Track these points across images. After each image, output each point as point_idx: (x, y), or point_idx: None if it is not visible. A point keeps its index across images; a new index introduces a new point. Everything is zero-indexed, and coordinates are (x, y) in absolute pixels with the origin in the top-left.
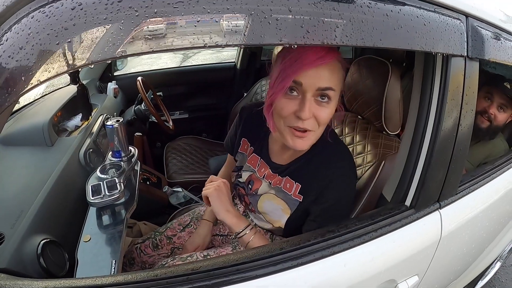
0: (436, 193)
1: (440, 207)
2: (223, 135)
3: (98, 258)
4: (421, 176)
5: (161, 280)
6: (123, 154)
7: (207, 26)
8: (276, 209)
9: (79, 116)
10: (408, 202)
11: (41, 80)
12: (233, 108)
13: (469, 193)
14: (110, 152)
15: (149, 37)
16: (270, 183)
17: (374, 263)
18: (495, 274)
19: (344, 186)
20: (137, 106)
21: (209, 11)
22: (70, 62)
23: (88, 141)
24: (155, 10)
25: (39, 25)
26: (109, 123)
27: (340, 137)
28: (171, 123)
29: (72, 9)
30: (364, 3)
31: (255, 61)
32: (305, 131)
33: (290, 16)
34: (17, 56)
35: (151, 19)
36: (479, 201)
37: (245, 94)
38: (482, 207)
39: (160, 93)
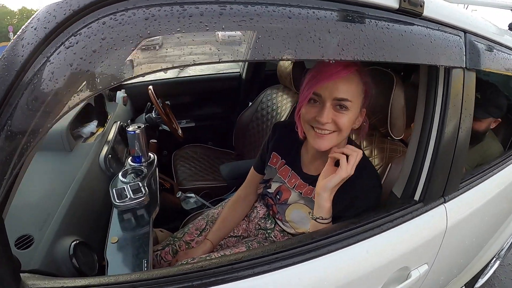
0: (441, 189)
1: (445, 201)
2: (229, 144)
3: (128, 258)
4: (427, 173)
5: (192, 274)
6: (143, 160)
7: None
8: (304, 218)
9: (94, 122)
10: (417, 197)
11: (117, 82)
12: (238, 117)
13: (469, 189)
14: (130, 158)
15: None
16: (301, 193)
17: (391, 250)
18: (494, 272)
19: (374, 196)
20: (148, 114)
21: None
22: (145, 66)
23: (106, 147)
24: (223, 26)
25: (113, 31)
26: (130, 129)
27: None
28: (180, 131)
29: (146, 19)
30: (384, 25)
31: (260, 71)
32: (322, 133)
33: (328, 36)
34: (90, 58)
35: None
36: (478, 196)
37: (250, 103)
38: (481, 202)
39: (168, 102)
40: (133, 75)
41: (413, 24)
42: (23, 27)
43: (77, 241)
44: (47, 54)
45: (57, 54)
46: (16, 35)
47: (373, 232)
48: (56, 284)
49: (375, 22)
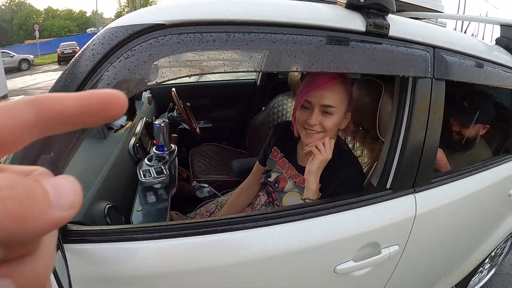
0: (411, 180)
1: (415, 192)
2: (242, 144)
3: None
4: (397, 165)
5: (200, 223)
6: (165, 149)
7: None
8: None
9: (124, 117)
10: (388, 185)
11: (158, 82)
12: (252, 120)
13: (442, 185)
14: (154, 147)
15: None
16: (295, 182)
17: (360, 224)
18: (490, 280)
19: (357, 184)
20: (170, 113)
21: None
22: (175, 73)
23: (134, 138)
24: (228, 48)
25: (156, 49)
26: (156, 122)
27: None
28: (198, 129)
29: (178, 43)
30: (352, 44)
31: (273, 79)
32: (311, 132)
33: (302, 53)
34: (141, 66)
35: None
36: (451, 193)
37: (263, 108)
38: (453, 199)
39: (188, 104)
40: (168, 78)
41: (381, 43)
42: (90, 41)
43: (110, 205)
44: (112, 61)
45: (119, 62)
46: (84, 46)
47: (345, 208)
48: (95, 229)
49: (344, 42)
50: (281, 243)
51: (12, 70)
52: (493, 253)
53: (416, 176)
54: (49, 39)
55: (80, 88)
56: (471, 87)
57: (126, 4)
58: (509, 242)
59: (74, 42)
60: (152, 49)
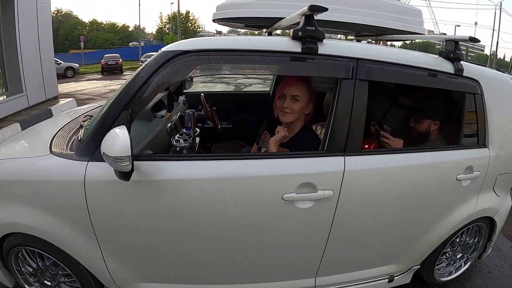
0: (342, 147)
1: (345, 155)
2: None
3: None
4: (329, 136)
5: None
6: (191, 130)
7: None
8: None
9: (164, 110)
10: (325, 148)
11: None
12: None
13: (372, 154)
14: (184, 128)
15: None
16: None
17: (297, 167)
18: (472, 278)
19: (312, 148)
20: (198, 113)
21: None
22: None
23: (170, 123)
24: (250, 65)
25: (186, 64)
26: (188, 111)
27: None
28: (219, 127)
29: (197, 60)
30: (296, 58)
31: None
32: (285, 112)
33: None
34: (177, 74)
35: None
36: (381, 161)
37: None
38: (383, 166)
39: (214, 108)
40: (191, 78)
41: (314, 59)
42: (149, 60)
43: (152, 152)
44: (161, 71)
45: (165, 70)
46: (148, 60)
47: (291, 156)
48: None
49: (291, 59)
50: (249, 169)
51: (58, 77)
52: (457, 239)
53: (345, 144)
54: (92, 50)
55: (146, 81)
56: (420, 90)
57: (167, 21)
58: (482, 239)
59: (117, 55)
60: (183, 64)
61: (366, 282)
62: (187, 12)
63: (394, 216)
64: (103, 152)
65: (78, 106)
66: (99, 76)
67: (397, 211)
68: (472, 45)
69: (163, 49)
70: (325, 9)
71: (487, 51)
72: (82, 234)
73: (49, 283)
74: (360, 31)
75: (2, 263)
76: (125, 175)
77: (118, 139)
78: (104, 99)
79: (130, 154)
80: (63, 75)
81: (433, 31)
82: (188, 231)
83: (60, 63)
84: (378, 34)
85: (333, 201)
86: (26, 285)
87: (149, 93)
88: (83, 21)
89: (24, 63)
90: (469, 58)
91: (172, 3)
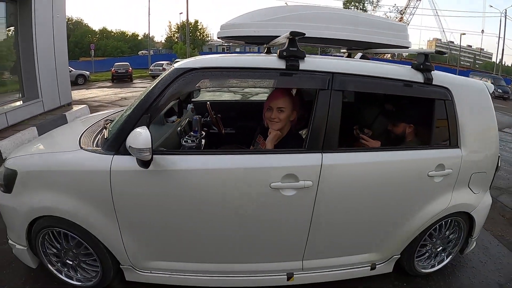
0: (320, 145)
1: (323, 152)
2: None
3: None
4: (309, 136)
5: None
6: (198, 133)
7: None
8: None
9: (175, 116)
10: (305, 146)
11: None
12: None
13: (347, 152)
14: (191, 132)
15: None
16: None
17: (284, 161)
18: (455, 272)
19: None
20: (204, 119)
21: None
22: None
23: (179, 127)
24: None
25: (193, 79)
26: (195, 117)
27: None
28: (223, 131)
29: (202, 75)
30: (277, 76)
31: None
32: (274, 122)
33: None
34: (187, 86)
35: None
36: (356, 158)
37: None
38: (357, 161)
39: (219, 115)
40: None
41: (297, 73)
42: (164, 75)
43: (165, 149)
44: (173, 84)
45: (177, 83)
46: (163, 74)
47: (277, 152)
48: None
49: (273, 75)
50: (243, 162)
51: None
52: (435, 232)
53: (323, 142)
54: (102, 58)
55: (162, 92)
56: (394, 98)
57: (176, 30)
58: (462, 234)
59: (127, 63)
60: (191, 79)
61: (350, 268)
62: (196, 22)
63: (370, 205)
64: (129, 146)
65: (90, 112)
66: (109, 84)
67: (372, 202)
68: (479, 53)
69: (175, 66)
70: (303, 34)
71: (494, 59)
72: (104, 216)
73: (70, 262)
74: (349, 46)
75: (29, 246)
76: (146, 164)
77: (141, 135)
78: (115, 106)
79: (150, 147)
80: (74, 83)
81: (440, 40)
82: (193, 213)
83: (72, 70)
84: (365, 48)
85: (313, 191)
86: (49, 265)
87: (164, 101)
88: (93, 29)
89: (41, 70)
90: (477, 66)
91: (181, 13)
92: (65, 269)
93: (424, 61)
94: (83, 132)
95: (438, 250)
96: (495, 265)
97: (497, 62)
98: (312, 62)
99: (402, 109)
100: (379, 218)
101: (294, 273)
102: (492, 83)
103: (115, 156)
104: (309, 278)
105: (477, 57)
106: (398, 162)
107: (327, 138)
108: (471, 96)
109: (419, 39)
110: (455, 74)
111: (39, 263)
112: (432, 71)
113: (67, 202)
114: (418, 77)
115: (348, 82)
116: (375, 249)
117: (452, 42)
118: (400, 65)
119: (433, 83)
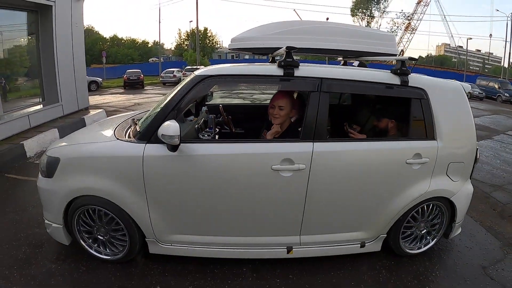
0: (311, 136)
1: (314, 142)
2: None
3: None
4: (303, 128)
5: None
6: (213, 130)
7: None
8: None
9: (192, 116)
10: (300, 137)
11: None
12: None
13: (335, 142)
14: (207, 128)
15: None
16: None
17: (283, 148)
18: (441, 256)
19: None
20: (217, 119)
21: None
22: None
23: (196, 124)
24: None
25: (208, 84)
26: (210, 116)
27: None
28: (234, 130)
29: (216, 82)
30: (267, 82)
31: None
32: (275, 117)
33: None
34: (203, 91)
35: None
36: (342, 146)
37: None
38: (344, 149)
39: (230, 117)
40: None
41: (293, 79)
42: (187, 81)
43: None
44: (192, 90)
45: (196, 89)
46: (185, 80)
47: (277, 141)
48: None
49: (273, 81)
50: (249, 149)
51: None
52: (417, 215)
53: (314, 134)
54: (113, 65)
55: (186, 94)
56: (379, 98)
57: (186, 37)
58: (445, 219)
59: (139, 70)
60: (208, 84)
61: (342, 244)
62: (205, 29)
63: (355, 187)
64: (162, 134)
65: (107, 116)
66: (122, 90)
67: (357, 184)
68: (488, 58)
69: (196, 73)
70: (296, 49)
71: (503, 63)
72: (136, 194)
73: (101, 238)
74: (343, 55)
75: (64, 224)
76: (174, 148)
77: (172, 126)
78: (130, 111)
79: (179, 134)
80: (87, 89)
81: (449, 44)
82: (208, 190)
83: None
84: (357, 56)
85: (306, 173)
86: (81, 241)
87: (187, 101)
88: (104, 36)
89: (60, 76)
90: (486, 70)
91: (191, 21)
92: (95, 244)
93: (401, 66)
94: (116, 128)
95: (423, 232)
96: (480, 251)
97: (506, 66)
98: (305, 70)
99: (385, 107)
100: (364, 198)
101: (293, 247)
102: (499, 87)
103: (147, 144)
104: (306, 252)
105: (486, 61)
106: (379, 150)
107: (317, 131)
108: (446, 95)
109: (427, 44)
110: (462, 79)
111: (71, 241)
112: (409, 75)
113: (105, 183)
114: (395, 80)
115: (334, 85)
116: (363, 228)
117: (461, 47)
118: (381, 70)
119: (410, 84)
